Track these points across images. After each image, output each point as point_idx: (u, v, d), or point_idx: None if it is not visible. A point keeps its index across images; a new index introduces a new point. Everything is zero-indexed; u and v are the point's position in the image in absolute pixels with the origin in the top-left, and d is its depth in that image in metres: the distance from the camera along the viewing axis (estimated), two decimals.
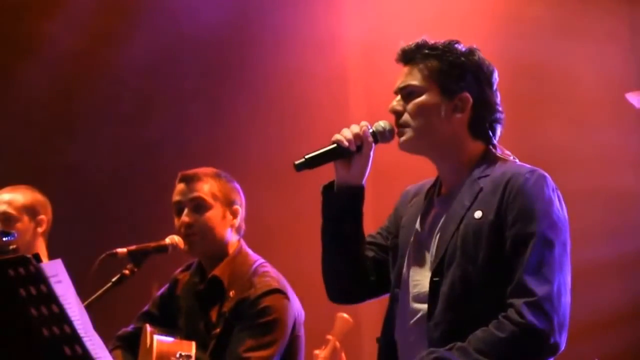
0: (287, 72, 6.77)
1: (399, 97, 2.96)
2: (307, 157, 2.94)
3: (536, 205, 2.76)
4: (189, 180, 4.05)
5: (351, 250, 3.04)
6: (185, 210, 4.01)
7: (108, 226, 6.39)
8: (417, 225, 2.97)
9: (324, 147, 2.96)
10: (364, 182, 3.01)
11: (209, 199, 4.02)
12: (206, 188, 4.03)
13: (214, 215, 4.02)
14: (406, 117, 2.92)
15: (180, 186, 4.07)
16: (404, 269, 2.94)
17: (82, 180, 6.61)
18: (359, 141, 2.94)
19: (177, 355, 3.66)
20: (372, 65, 6.41)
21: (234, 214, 4.06)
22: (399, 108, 2.94)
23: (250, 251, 4.09)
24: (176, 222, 4.04)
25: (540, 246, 2.73)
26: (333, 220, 3.03)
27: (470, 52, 2.96)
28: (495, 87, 2.98)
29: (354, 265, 3.06)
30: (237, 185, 4.14)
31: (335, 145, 2.95)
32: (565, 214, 2.84)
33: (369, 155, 2.97)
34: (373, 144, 2.97)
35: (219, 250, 4.03)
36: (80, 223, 6.37)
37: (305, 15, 6.81)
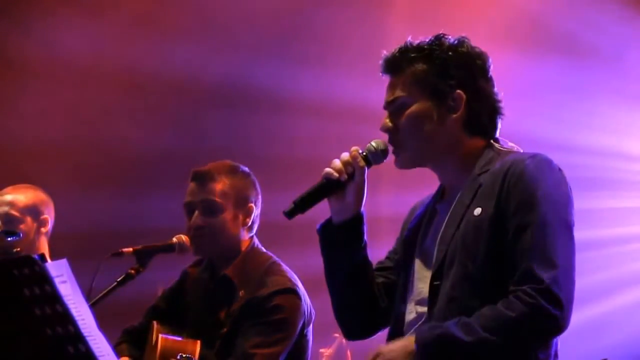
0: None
1: (387, 113, 2.86)
2: (296, 201, 2.83)
3: (537, 191, 2.68)
4: (201, 180, 3.95)
5: (359, 283, 2.95)
6: (196, 212, 3.92)
7: (115, 225, 6.38)
8: (420, 237, 2.91)
9: (313, 186, 2.85)
10: (362, 209, 2.90)
11: (221, 201, 3.92)
12: (218, 188, 3.93)
13: (226, 217, 3.93)
14: (399, 135, 2.83)
15: (192, 185, 3.97)
16: (409, 282, 2.89)
17: (88, 179, 6.61)
18: (350, 168, 2.84)
19: (178, 357, 3.65)
20: None
21: (248, 213, 3.98)
22: (390, 125, 2.84)
23: (262, 249, 4.04)
24: (187, 222, 3.96)
25: (542, 230, 2.65)
26: (335, 259, 2.94)
27: (459, 43, 2.86)
28: (489, 74, 2.87)
29: (365, 297, 2.96)
30: (254, 179, 4.05)
31: (324, 180, 2.84)
32: (570, 193, 2.75)
33: (362, 181, 2.86)
34: (365, 169, 2.86)
35: (229, 249, 3.97)
36: (86, 222, 6.37)
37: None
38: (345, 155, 2.86)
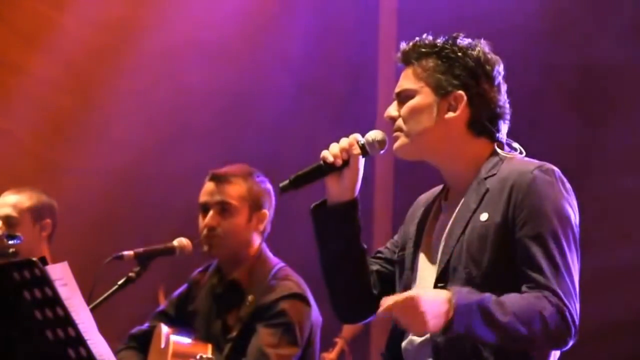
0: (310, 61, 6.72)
1: (396, 102, 2.91)
2: (292, 177, 2.89)
3: (545, 204, 2.71)
4: (219, 181, 3.99)
5: (350, 267, 2.96)
6: (211, 212, 3.97)
7: (116, 228, 6.37)
8: (425, 235, 2.92)
9: (310, 166, 2.91)
10: (356, 195, 2.93)
11: (236, 203, 3.97)
12: (235, 191, 3.98)
13: (240, 220, 3.98)
14: (399, 121, 2.88)
15: (209, 186, 4.02)
16: (412, 281, 2.89)
17: (91, 180, 6.59)
18: (346, 155, 2.88)
19: (198, 357, 3.65)
20: None
21: (261, 219, 4.02)
22: (394, 114, 2.89)
23: (270, 254, 4.07)
24: (200, 221, 4.01)
25: (553, 245, 2.68)
26: (326, 240, 2.95)
27: (470, 46, 2.89)
28: (497, 82, 2.88)
29: (357, 282, 2.97)
30: (269, 186, 4.08)
31: (320, 162, 2.90)
32: (575, 207, 2.79)
33: (356, 168, 2.89)
34: (360, 157, 2.89)
35: (239, 253, 4.01)
36: (87, 225, 6.36)
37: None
38: (344, 141, 2.90)
